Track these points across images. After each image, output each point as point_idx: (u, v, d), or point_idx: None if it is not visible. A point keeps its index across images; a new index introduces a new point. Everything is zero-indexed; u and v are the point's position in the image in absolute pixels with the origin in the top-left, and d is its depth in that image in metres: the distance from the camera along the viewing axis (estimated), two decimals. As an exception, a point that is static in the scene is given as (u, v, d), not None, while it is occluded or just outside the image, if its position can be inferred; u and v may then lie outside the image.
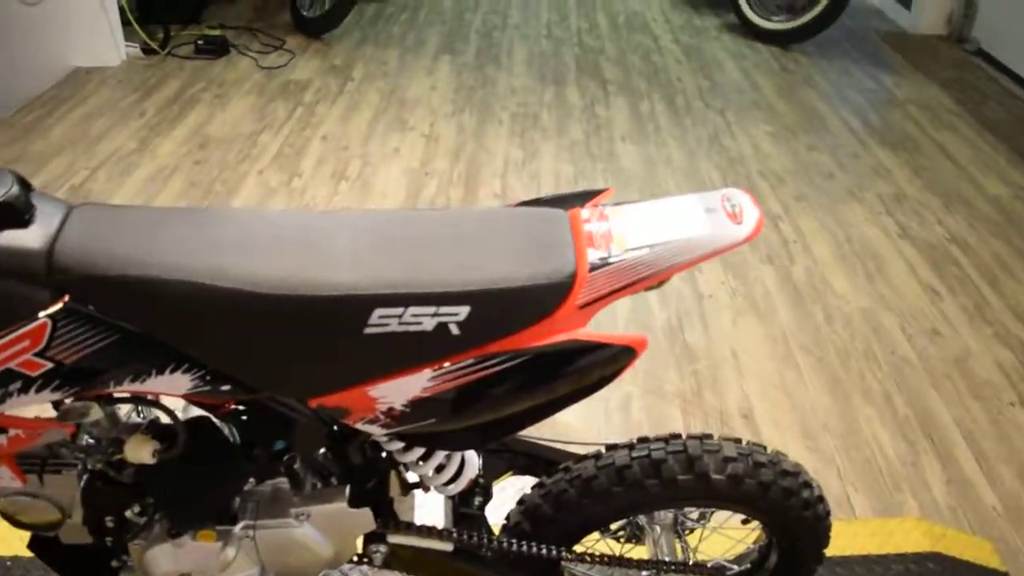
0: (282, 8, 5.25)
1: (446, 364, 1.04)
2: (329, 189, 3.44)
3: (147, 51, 4.68)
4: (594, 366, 1.05)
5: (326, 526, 1.24)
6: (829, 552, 1.88)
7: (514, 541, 1.33)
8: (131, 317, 1.02)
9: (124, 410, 1.26)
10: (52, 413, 1.18)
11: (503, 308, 1.01)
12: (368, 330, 1.01)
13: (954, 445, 2.26)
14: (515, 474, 1.50)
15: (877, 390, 2.44)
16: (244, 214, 1.10)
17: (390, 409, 1.08)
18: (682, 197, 1.08)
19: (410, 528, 1.28)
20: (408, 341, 1.02)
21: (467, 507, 1.38)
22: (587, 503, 1.33)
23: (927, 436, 2.29)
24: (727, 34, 5.23)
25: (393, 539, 1.28)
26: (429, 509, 1.38)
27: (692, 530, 1.59)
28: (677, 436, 1.35)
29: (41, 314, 1.01)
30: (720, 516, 1.57)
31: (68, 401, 1.16)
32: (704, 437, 1.34)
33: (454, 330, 1.01)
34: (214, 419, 1.20)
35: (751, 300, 2.81)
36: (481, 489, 1.40)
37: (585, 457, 1.36)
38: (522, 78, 4.54)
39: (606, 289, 1.02)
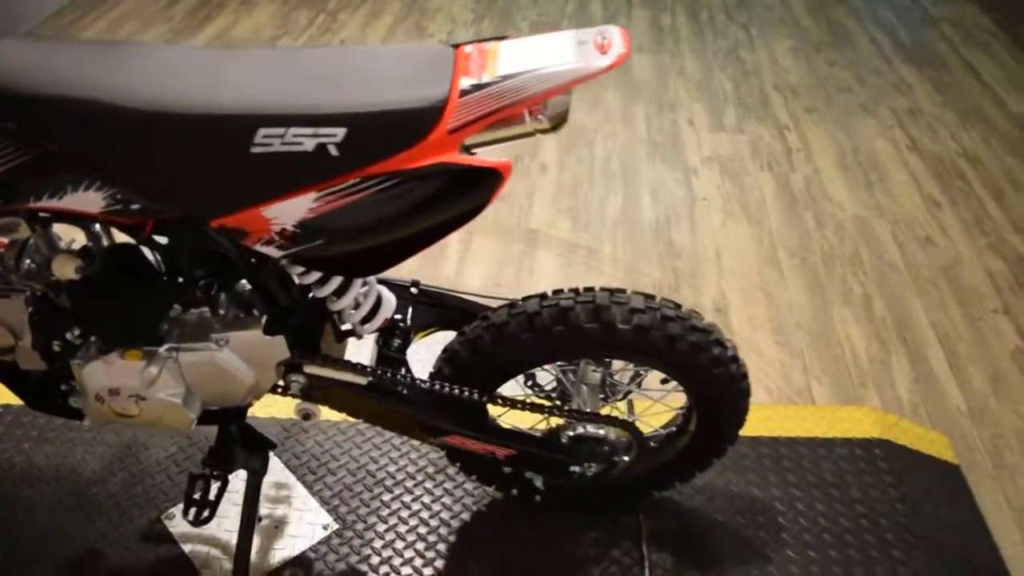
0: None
1: (328, 186, 1.10)
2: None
3: (179, -42, 4.74)
4: (464, 189, 1.10)
5: (244, 352, 1.32)
6: (775, 432, 1.92)
7: (426, 381, 1.39)
8: (44, 134, 1.10)
9: (66, 239, 1.35)
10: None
11: (377, 130, 1.06)
12: (254, 149, 1.07)
13: (928, 346, 2.26)
14: (445, 328, 1.56)
15: (858, 292, 2.43)
16: (159, 48, 1.16)
17: (283, 230, 1.14)
18: (560, 32, 1.11)
19: (326, 360, 1.35)
20: (292, 161, 1.08)
21: (387, 348, 1.44)
22: (500, 350, 1.39)
23: (901, 338, 2.29)
24: (764, -50, 5.09)
25: (310, 370, 1.36)
26: (357, 353, 1.45)
27: (624, 394, 1.64)
28: (590, 289, 1.39)
29: None
30: (651, 382, 1.62)
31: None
32: (616, 291, 1.38)
33: (333, 151, 1.07)
34: (139, 245, 1.27)
35: (744, 204, 2.80)
36: (401, 332, 1.46)
37: (502, 307, 1.41)
38: (547, -10, 4.50)
39: (476, 114, 1.06)
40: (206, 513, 1.45)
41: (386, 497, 1.77)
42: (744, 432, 1.91)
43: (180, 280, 1.29)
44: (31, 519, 1.74)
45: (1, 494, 1.80)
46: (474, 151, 1.18)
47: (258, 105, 1.06)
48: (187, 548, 1.68)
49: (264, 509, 1.75)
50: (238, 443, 1.49)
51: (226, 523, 1.72)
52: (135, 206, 1.15)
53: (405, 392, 1.42)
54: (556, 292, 1.40)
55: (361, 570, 1.65)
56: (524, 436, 1.53)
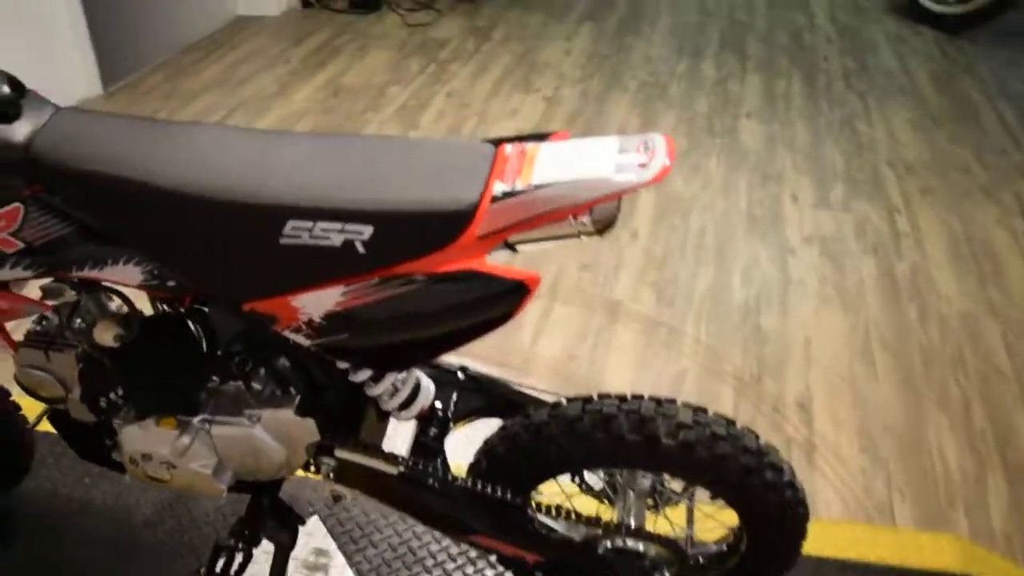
0: (438, -32, 5.37)
1: (355, 282, 1.07)
2: (441, 143, 3.51)
3: (305, 3, 4.92)
4: (489, 298, 1.05)
5: (275, 430, 1.31)
6: (844, 554, 1.78)
7: (458, 478, 1.34)
8: (89, 209, 1.12)
9: (117, 303, 1.37)
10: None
11: (405, 231, 1.03)
12: (284, 240, 1.05)
13: (1032, 466, 2.06)
14: (491, 416, 1.50)
15: (956, 398, 2.25)
16: (205, 129, 1.16)
17: (310, 320, 1.12)
18: (604, 138, 1.05)
19: (357, 445, 1.32)
20: (319, 255, 1.05)
21: (424, 436, 1.40)
22: (539, 450, 1.33)
23: (1001, 454, 2.10)
24: (892, 16, 4.90)
25: (340, 454, 1.33)
26: (395, 438, 1.41)
27: (674, 503, 1.54)
28: (639, 397, 1.32)
29: (16, 200, 1.12)
30: (705, 493, 1.52)
31: (46, 282, 1.28)
32: (664, 401, 1.30)
33: (360, 248, 1.04)
34: (179, 317, 1.28)
35: (841, 290, 2.65)
36: (440, 421, 1.42)
37: (546, 404, 1.35)
38: (659, 48, 4.44)
39: (505, 222, 1.01)
40: None
41: (425, 578, 1.73)
42: (809, 550, 1.78)
43: (218, 353, 1.28)
44: (76, 551, 1.77)
45: (55, 523, 1.85)
46: (518, 248, 1.14)
47: (289, 197, 1.05)
48: (221, 611, 1.67)
49: (300, 574, 1.73)
50: (268, 515, 1.47)
51: (263, 589, 1.70)
52: (171, 283, 1.15)
53: (436, 485, 1.37)
54: (602, 396, 1.33)
55: (389, 656, 1.61)
56: (557, 543, 1.45)
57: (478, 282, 1.04)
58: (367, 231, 1.03)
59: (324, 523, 1.84)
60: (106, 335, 1.24)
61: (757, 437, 1.31)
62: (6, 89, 1.13)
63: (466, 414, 1.48)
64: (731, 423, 1.30)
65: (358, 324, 1.10)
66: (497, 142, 1.12)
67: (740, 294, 2.63)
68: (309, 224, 1.04)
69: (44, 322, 1.35)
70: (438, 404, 1.43)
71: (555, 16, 4.88)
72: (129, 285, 1.17)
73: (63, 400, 1.42)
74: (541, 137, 1.17)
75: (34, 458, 1.86)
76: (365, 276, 1.07)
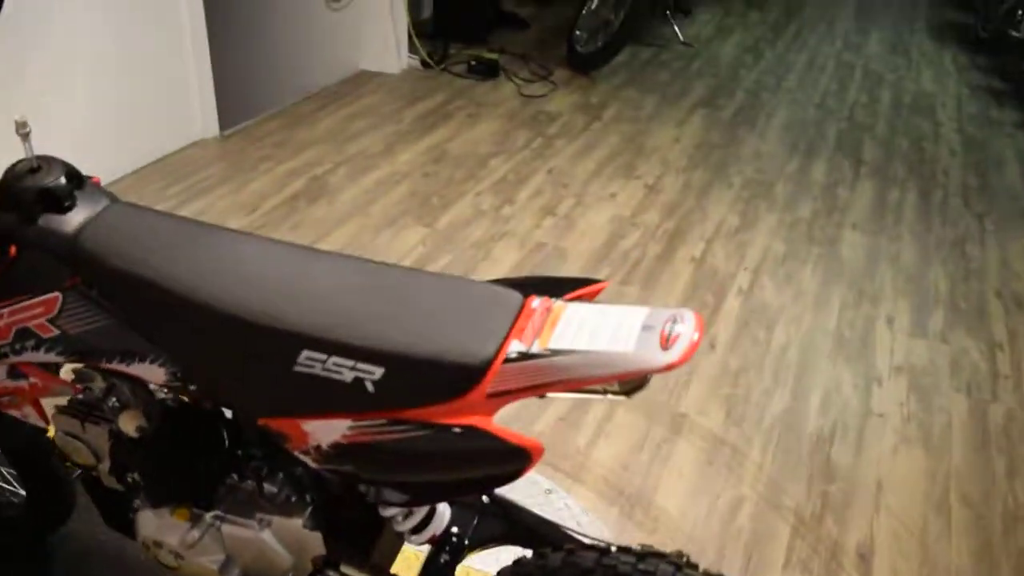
0: (560, 41, 5.42)
1: (362, 419, 1.05)
2: (533, 222, 3.51)
3: (425, 64, 5.05)
4: (491, 458, 1.02)
5: (283, 538, 1.30)
6: None
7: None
8: (121, 307, 1.14)
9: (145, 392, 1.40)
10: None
11: (415, 378, 1.01)
12: (297, 368, 1.05)
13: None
14: (513, 544, 1.46)
15: (1038, 572, 2.07)
16: (247, 241, 1.19)
17: (318, 447, 1.11)
18: (633, 308, 1.01)
19: (363, 566, 1.30)
20: (330, 388, 1.05)
21: (434, 562, 1.36)
22: None
23: (1081, 644, 1.91)
24: (1025, 132, 4.67)
25: (347, 570, 1.31)
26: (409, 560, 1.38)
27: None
28: (661, 556, 1.24)
29: (56, 289, 1.16)
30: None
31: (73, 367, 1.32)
32: (686, 566, 1.23)
33: (369, 388, 1.03)
34: (211, 415, 1.29)
35: (926, 430, 2.49)
36: (452, 548, 1.38)
37: (563, 548, 1.30)
38: (771, 144, 4.35)
39: (516, 384, 0.98)
40: None
41: None
42: None
43: (238, 452, 1.29)
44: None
45: (90, 570, 1.89)
46: (548, 395, 1.10)
47: (307, 327, 1.05)
48: None
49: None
50: None
51: None
52: (193, 387, 1.16)
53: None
54: (623, 549, 1.27)
55: None
56: None
57: (482, 441, 1.01)
58: (378, 372, 1.02)
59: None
60: (128, 425, 1.26)
61: None
62: (62, 180, 1.17)
63: (485, 541, 1.44)
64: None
65: (362, 459, 1.09)
66: (529, 287, 1.10)
67: (815, 422, 2.50)
68: (323, 357, 1.04)
69: (84, 393, 1.39)
70: (455, 528, 1.40)
71: (670, 99, 4.85)
72: (154, 383, 1.19)
73: (95, 468, 1.46)
74: (578, 284, 1.14)
75: (75, 503, 1.91)
76: (373, 415, 1.05)
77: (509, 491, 2.12)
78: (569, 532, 1.44)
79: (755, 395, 2.60)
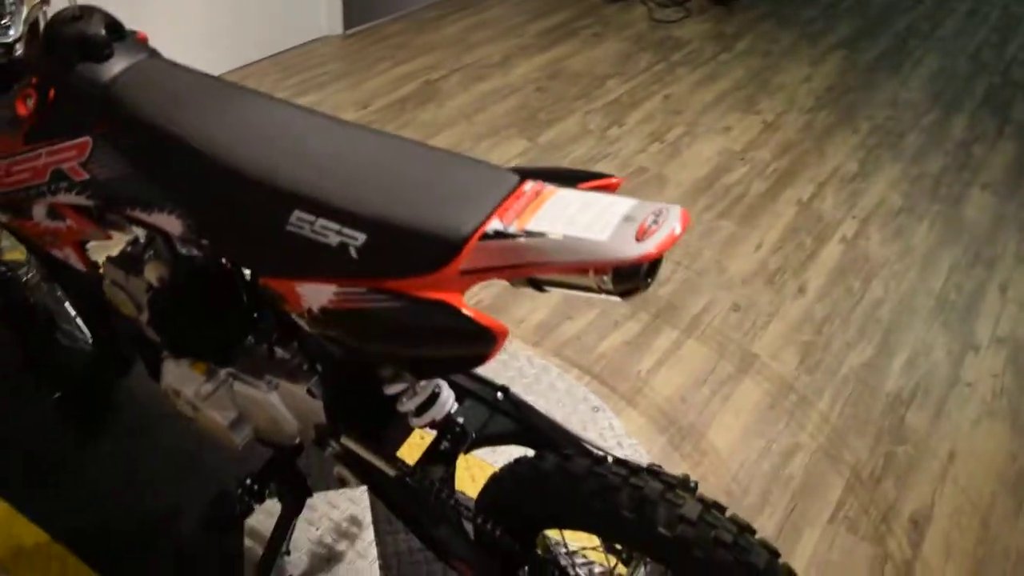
0: (703, -34, 5.19)
1: (346, 285, 1.05)
2: (639, 146, 3.41)
3: (559, -21, 4.93)
4: (458, 336, 0.99)
5: (288, 402, 1.32)
6: None
7: (449, 497, 1.29)
8: (143, 156, 1.17)
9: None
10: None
11: (394, 247, 1.00)
12: (289, 227, 1.05)
13: None
14: (522, 445, 1.44)
15: (1112, 570, 1.91)
16: (263, 103, 1.19)
17: (310, 310, 1.11)
18: (621, 199, 0.95)
19: (361, 438, 1.31)
20: (318, 250, 1.04)
21: (435, 447, 1.36)
22: (537, 496, 1.25)
23: None
24: None
25: (346, 441, 1.32)
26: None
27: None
28: (656, 471, 1.20)
29: (87, 134, 1.19)
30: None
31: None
32: (679, 484, 1.18)
33: (353, 253, 1.02)
34: (232, 275, 1.31)
35: (1016, 408, 2.31)
36: (455, 436, 1.37)
37: (565, 452, 1.27)
38: (911, 93, 4.05)
39: (488, 263, 0.95)
40: (219, 529, 1.47)
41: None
42: None
43: (255, 315, 1.31)
44: (154, 452, 1.91)
45: (144, 423, 1.99)
46: (547, 289, 1.07)
47: (301, 186, 1.04)
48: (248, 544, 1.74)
49: (329, 537, 1.76)
50: (279, 479, 1.50)
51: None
52: (204, 241, 1.18)
53: (429, 499, 1.33)
54: (619, 461, 1.23)
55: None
56: None
57: (451, 318, 0.98)
58: (360, 238, 1.01)
59: (370, 495, 1.86)
60: (152, 275, 1.30)
61: (773, 554, 1.16)
62: (102, 30, 1.20)
63: (495, 438, 1.42)
64: (745, 530, 1.16)
65: (345, 326, 1.08)
66: (527, 174, 1.05)
67: (895, 381, 2.36)
68: (312, 218, 1.04)
69: (132, 247, 1.44)
70: (461, 419, 1.39)
71: (809, 37, 4.57)
72: (171, 234, 1.22)
73: (136, 319, 1.52)
74: (594, 178, 1.09)
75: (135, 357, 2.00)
76: (355, 282, 1.04)
77: (555, 404, 2.11)
78: (581, 440, 1.41)
79: (836, 345, 2.47)
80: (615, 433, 2.06)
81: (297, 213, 1.04)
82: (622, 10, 4.68)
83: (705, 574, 1.14)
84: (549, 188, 1.00)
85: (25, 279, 1.99)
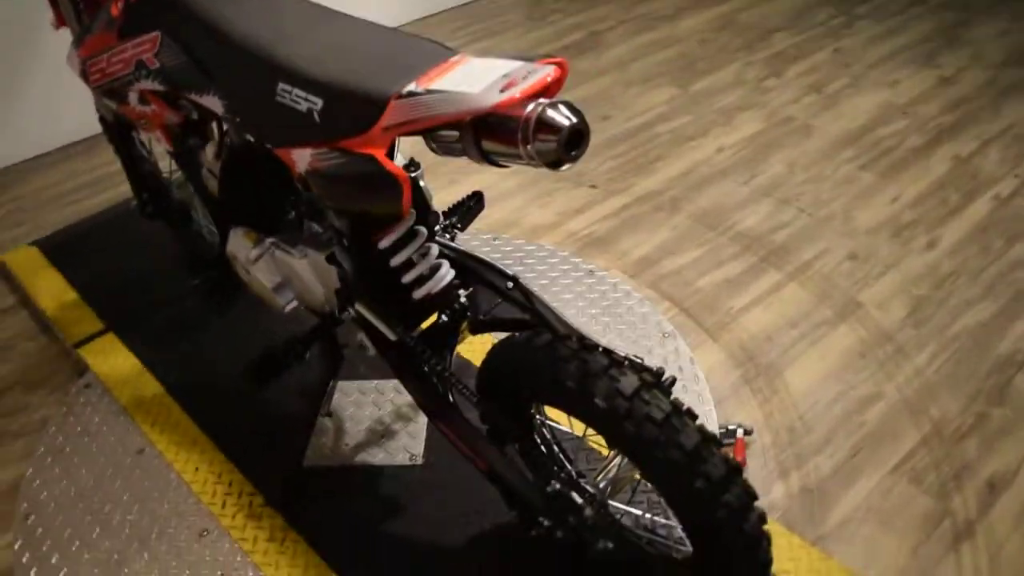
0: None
1: (316, 147, 1.19)
2: (792, 97, 3.31)
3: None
4: (374, 182, 1.10)
5: (314, 269, 1.49)
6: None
7: (440, 364, 1.40)
8: (193, 45, 1.38)
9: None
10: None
11: (342, 110, 1.13)
12: (277, 98, 1.22)
13: None
14: (520, 330, 1.51)
15: None
16: (296, 5, 1.36)
17: (300, 175, 1.26)
18: (514, 62, 1.03)
19: (370, 303, 1.45)
20: (297, 117, 1.20)
21: (437, 321, 1.47)
22: (514, 372, 1.34)
23: None
24: None
25: (359, 307, 1.47)
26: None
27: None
28: (607, 351, 1.25)
29: (156, 28, 1.42)
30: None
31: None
32: (627, 360, 1.23)
33: (316, 118, 1.16)
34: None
35: None
36: (455, 312, 1.47)
37: (543, 332, 1.34)
38: None
39: (400, 119, 1.07)
40: (256, 381, 1.64)
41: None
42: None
43: (294, 194, 1.49)
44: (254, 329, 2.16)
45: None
46: (505, 164, 1.16)
47: (283, 61, 1.20)
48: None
49: (388, 418, 1.93)
50: (320, 343, 1.67)
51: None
52: (238, 119, 1.37)
53: (423, 366, 1.45)
54: (607, 351, 1.26)
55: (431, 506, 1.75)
56: (501, 465, 1.43)
57: (371, 165, 1.11)
58: (319, 103, 1.16)
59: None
60: (209, 151, 1.51)
61: (708, 440, 1.18)
62: None
63: (499, 323, 1.51)
64: (678, 410, 1.18)
65: (319, 185, 1.23)
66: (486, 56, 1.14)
67: (1012, 344, 2.18)
68: (290, 88, 1.20)
69: (196, 127, 1.66)
70: (464, 300, 1.49)
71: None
72: (216, 114, 1.41)
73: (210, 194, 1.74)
74: (525, 59, 1.16)
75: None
76: (320, 144, 1.18)
77: (628, 327, 2.14)
78: (580, 331, 1.46)
79: (954, 302, 2.31)
80: (678, 356, 2.07)
81: (281, 84, 1.20)
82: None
83: (637, 447, 1.19)
84: (465, 58, 1.09)
85: (173, 177, 2.31)
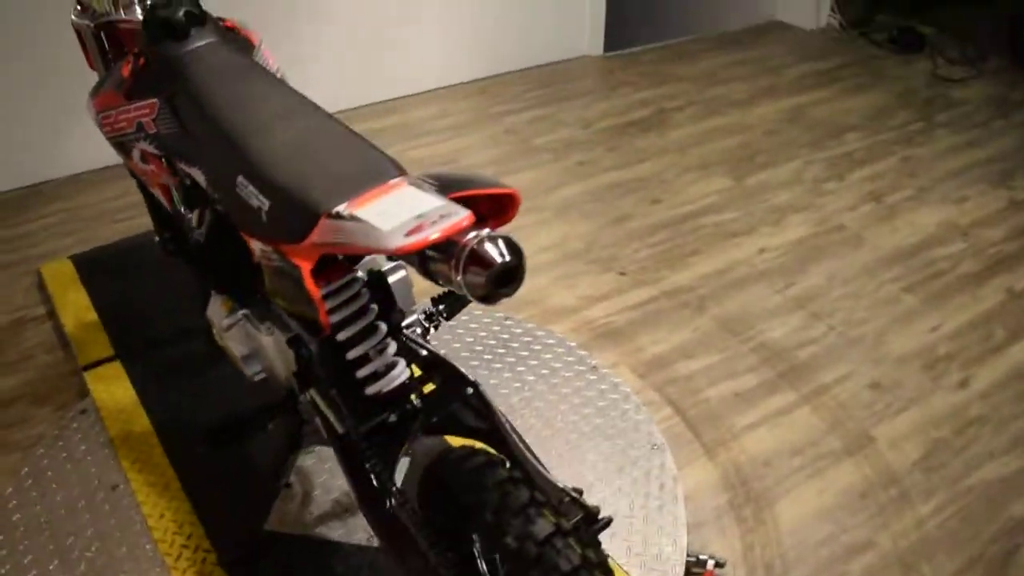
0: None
1: (264, 245, 1.20)
2: (850, 203, 3.20)
3: (843, 26, 4.69)
4: (302, 296, 1.11)
5: (277, 348, 1.49)
6: None
7: (378, 468, 1.38)
8: (184, 117, 1.42)
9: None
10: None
11: (281, 215, 1.14)
12: (237, 189, 1.23)
13: None
14: (472, 439, 1.48)
15: None
16: (266, 85, 1.40)
17: (258, 264, 1.28)
18: (439, 200, 1.02)
19: (323, 391, 1.44)
20: (250, 212, 1.21)
21: (385, 419, 1.45)
22: (445, 484, 1.31)
23: None
24: None
25: (312, 393, 1.46)
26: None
27: None
28: (546, 488, 1.21)
29: (157, 96, 1.47)
30: None
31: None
32: (563, 507, 1.19)
33: (264, 217, 1.17)
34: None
35: None
36: (404, 411, 1.43)
37: (479, 453, 1.31)
38: None
39: (326, 239, 1.06)
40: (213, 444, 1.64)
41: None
42: None
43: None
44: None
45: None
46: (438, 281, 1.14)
47: (247, 154, 1.22)
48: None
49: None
50: (281, 417, 1.66)
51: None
52: (216, 195, 1.39)
53: (365, 463, 1.42)
54: (512, 474, 1.24)
55: None
56: None
57: (297, 276, 1.11)
58: (267, 204, 1.16)
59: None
60: (195, 217, 1.54)
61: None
62: (180, 15, 1.46)
63: (451, 427, 1.48)
64: (588, 564, 1.13)
65: (268, 279, 1.24)
66: (431, 176, 1.13)
67: None
68: (246, 183, 1.21)
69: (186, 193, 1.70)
70: (417, 401, 1.46)
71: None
72: (200, 184, 1.44)
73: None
74: (485, 185, 1.14)
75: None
76: (266, 242, 1.19)
77: (618, 433, 2.06)
78: (529, 454, 1.42)
79: (974, 451, 2.18)
80: (662, 473, 2.00)
81: (240, 177, 1.22)
82: (902, 63, 4.36)
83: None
84: (403, 183, 1.09)
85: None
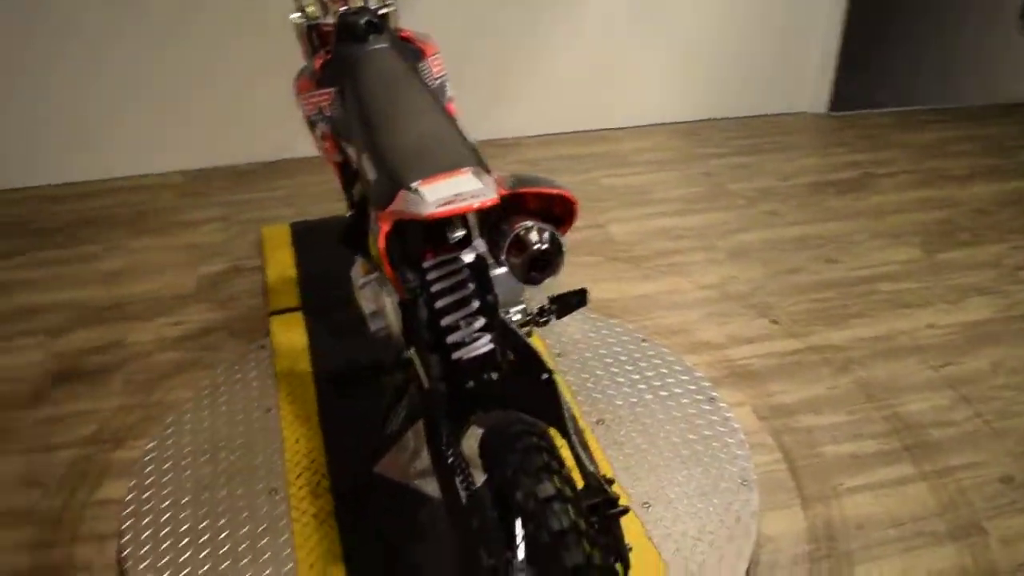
0: None
1: (375, 210, 1.47)
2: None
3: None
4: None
5: (393, 308, 1.73)
6: None
7: (451, 431, 1.57)
8: (349, 106, 1.73)
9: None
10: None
11: (381, 187, 1.39)
12: (363, 164, 1.51)
13: None
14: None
15: None
16: (417, 103, 1.66)
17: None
18: (478, 183, 1.21)
19: (420, 350, 1.66)
20: (367, 183, 1.49)
21: (465, 385, 1.64)
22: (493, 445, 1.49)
23: None
24: None
25: (411, 352, 1.69)
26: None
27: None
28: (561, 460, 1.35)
29: (333, 87, 1.79)
30: None
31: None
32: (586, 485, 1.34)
33: (374, 186, 1.43)
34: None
35: None
36: (478, 382, 1.62)
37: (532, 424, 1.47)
38: None
39: (399, 207, 1.29)
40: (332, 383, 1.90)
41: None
42: None
43: None
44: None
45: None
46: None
47: (373, 139, 1.50)
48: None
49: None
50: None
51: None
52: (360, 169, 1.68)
53: (438, 418, 1.62)
54: (544, 441, 1.38)
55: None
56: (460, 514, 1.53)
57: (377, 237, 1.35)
58: (373, 176, 1.41)
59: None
60: (356, 189, 1.83)
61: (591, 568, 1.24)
62: (362, 22, 1.77)
63: (522, 408, 1.65)
64: (576, 529, 1.26)
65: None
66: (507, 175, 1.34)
67: None
68: (368, 161, 1.49)
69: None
70: (492, 375, 1.64)
71: None
72: (351, 161, 1.74)
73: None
74: (551, 185, 1.32)
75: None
76: (373, 208, 1.45)
77: (712, 462, 2.14)
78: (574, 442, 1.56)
79: None
80: (742, 509, 2.04)
81: (364, 156, 1.49)
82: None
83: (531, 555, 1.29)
84: (468, 171, 1.30)
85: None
